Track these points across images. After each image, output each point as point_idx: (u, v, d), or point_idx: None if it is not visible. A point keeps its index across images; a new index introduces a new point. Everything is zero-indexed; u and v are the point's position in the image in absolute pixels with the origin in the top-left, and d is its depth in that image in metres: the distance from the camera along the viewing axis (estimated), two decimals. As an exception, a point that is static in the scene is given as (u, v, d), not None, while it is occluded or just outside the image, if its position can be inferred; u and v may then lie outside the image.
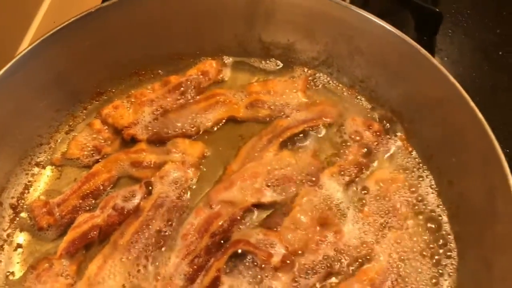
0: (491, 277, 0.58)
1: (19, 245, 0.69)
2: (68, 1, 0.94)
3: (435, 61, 0.66)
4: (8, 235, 0.69)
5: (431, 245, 0.65)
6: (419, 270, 0.64)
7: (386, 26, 0.69)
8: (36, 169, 0.74)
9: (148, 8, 0.74)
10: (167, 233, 0.67)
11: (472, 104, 0.63)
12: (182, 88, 0.77)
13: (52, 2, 0.92)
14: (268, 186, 0.69)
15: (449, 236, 0.65)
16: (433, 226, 0.66)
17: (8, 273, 0.67)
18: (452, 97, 0.65)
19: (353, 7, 0.70)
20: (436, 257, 0.64)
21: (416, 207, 0.67)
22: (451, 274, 0.63)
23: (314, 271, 0.63)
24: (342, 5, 0.70)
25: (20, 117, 0.71)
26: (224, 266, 0.64)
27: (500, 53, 0.90)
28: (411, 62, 0.69)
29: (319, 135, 0.74)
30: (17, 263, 0.68)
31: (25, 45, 0.85)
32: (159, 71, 0.80)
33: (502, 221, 0.57)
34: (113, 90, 0.79)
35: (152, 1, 0.73)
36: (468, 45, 0.91)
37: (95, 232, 0.67)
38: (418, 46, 0.67)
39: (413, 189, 0.69)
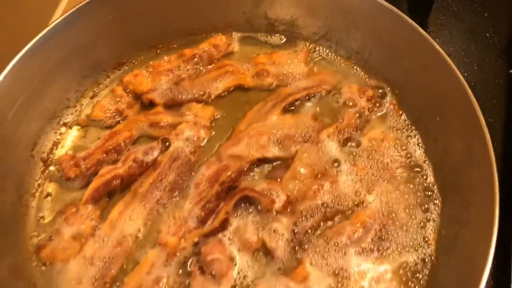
0: (468, 216, 0.65)
1: (48, 194, 0.77)
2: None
3: (422, 31, 0.74)
4: (38, 185, 0.77)
5: (418, 193, 0.73)
6: (407, 215, 0.71)
7: (380, 1, 0.77)
8: (63, 129, 0.82)
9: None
10: (181, 183, 0.76)
11: (454, 68, 0.71)
12: (195, 59, 0.86)
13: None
14: (272, 143, 0.77)
15: (434, 187, 0.73)
16: (420, 178, 0.74)
17: (39, 217, 0.75)
18: (437, 64, 0.73)
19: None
20: (422, 204, 0.72)
21: (405, 162, 0.75)
22: (435, 219, 0.71)
23: (312, 215, 0.71)
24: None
25: (51, 81, 0.79)
26: (232, 210, 0.72)
27: (487, 34, 0.98)
28: (402, 35, 0.76)
29: (318, 101, 0.82)
30: (47, 209, 0.76)
31: (57, 16, 0.93)
32: (175, 44, 0.88)
33: (477, 167, 0.65)
34: (133, 61, 0.87)
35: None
36: (457, 27, 0.99)
37: (117, 181, 0.75)
38: (408, 19, 0.74)
39: (403, 147, 0.76)
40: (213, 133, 0.80)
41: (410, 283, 0.67)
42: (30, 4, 0.92)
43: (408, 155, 0.75)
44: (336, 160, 0.75)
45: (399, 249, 0.69)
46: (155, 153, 0.78)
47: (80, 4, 0.76)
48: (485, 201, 0.62)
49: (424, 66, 0.75)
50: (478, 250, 0.60)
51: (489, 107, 0.89)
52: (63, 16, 0.76)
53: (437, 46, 0.73)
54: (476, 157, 0.65)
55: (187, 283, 0.68)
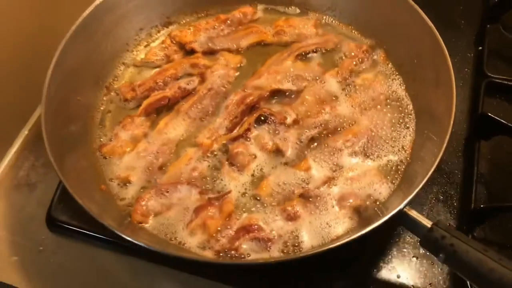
0: (433, 125, 0.85)
1: (109, 111, 0.99)
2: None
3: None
4: (102, 103, 0.99)
5: (399, 115, 0.93)
6: (390, 130, 0.92)
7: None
8: (122, 67, 1.05)
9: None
10: (214, 105, 0.97)
11: (431, 25, 0.91)
12: (228, 22, 1.09)
13: None
14: (286, 79, 0.99)
15: (411, 110, 0.94)
16: (401, 105, 0.95)
17: (101, 126, 0.97)
18: (416, 24, 0.94)
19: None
20: (401, 123, 0.92)
21: (390, 95, 0.96)
22: (411, 134, 0.91)
23: (314, 127, 0.92)
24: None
25: (118, 29, 1.03)
26: (253, 123, 0.93)
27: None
28: (390, 2, 0.99)
29: (323, 54, 1.04)
30: (108, 120, 0.98)
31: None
32: (212, 11, 1.12)
33: (442, 85, 0.86)
34: (180, 22, 1.11)
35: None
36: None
37: (165, 101, 0.97)
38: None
39: (389, 85, 0.97)
40: (239, 74, 1.02)
41: (389, 175, 0.86)
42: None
43: (392, 91, 0.96)
44: (335, 93, 0.97)
45: (383, 153, 0.89)
46: (195, 84, 1.00)
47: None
48: (445, 113, 0.83)
49: (406, 27, 0.97)
50: (437, 144, 0.81)
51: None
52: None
53: (418, 9, 0.95)
54: (441, 80, 0.86)
55: (216, 172, 0.89)
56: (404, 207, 0.71)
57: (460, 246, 0.65)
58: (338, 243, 0.71)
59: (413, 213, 0.71)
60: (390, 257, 0.87)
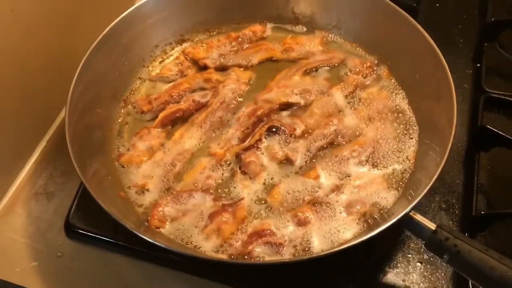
0: (435, 137, 0.90)
1: (126, 122, 1.04)
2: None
3: (410, 18, 1.01)
4: (119, 116, 1.04)
5: (402, 127, 0.98)
6: (394, 141, 0.96)
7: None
8: (139, 82, 1.10)
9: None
10: (227, 117, 1.02)
11: (432, 43, 0.97)
12: (239, 40, 1.14)
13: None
14: (295, 93, 1.04)
15: (414, 122, 0.99)
16: (404, 117, 1.00)
17: (119, 137, 1.01)
18: (417, 42, 1.00)
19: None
20: (405, 134, 0.97)
21: (393, 108, 1.01)
22: (414, 144, 0.96)
23: (323, 137, 0.96)
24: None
25: (135, 45, 1.08)
26: (264, 134, 0.97)
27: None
28: (393, 22, 1.04)
29: (330, 69, 1.09)
30: (126, 132, 1.02)
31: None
32: (224, 30, 1.17)
33: (443, 98, 0.91)
34: (193, 39, 1.16)
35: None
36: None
37: (180, 113, 1.02)
38: (398, 8, 1.02)
39: (392, 99, 1.02)
40: (250, 88, 1.07)
41: (394, 183, 0.91)
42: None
43: (396, 104, 1.01)
44: (342, 106, 1.02)
45: (388, 163, 0.94)
46: (208, 97, 1.05)
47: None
48: (446, 124, 0.88)
49: (408, 44, 1.03)
50: (439, 153, 0.85)
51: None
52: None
53: (419, 28, 1.00)
54: (442, 94, 0.91)
55: (229, 180, 0.93)
56: (410, 211, 0.75)
57: (463, 246, 0.69)
58: (346, 245, 0.75)
59: (418, 217, 0.75)
60: (395, 262, 0.91)
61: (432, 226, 0.73)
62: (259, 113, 1.00)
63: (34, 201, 1.05)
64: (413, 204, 0.75)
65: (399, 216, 0.75)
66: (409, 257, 0.92)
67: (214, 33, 1.18)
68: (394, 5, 1.04)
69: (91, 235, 0.95)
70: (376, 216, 0.85)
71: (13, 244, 1.00)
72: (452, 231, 0.71)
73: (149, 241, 0.79)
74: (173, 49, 1.15)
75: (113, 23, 1.03)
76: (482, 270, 0.66)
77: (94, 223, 0.96)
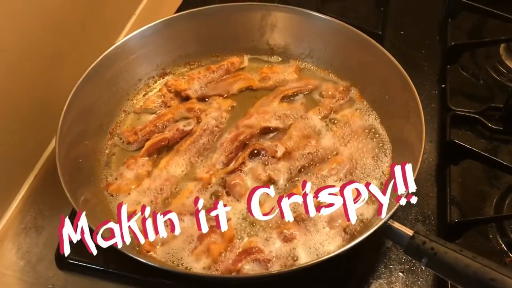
0: (407, 151, 0.96)
1: (113, 153, 1.07)
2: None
3: (376, 43, 1.09)
4: (106, 147, 1.08)
5: (377, 145, 1.04)
6: (370, 158, 1.02)
7: (346, 25, 1.14)
8: (123, 114, 1.14)
9: (202, 23, 1.20)
10: (210, 144, 1.07)
11: (400, 67, 1.04)
12: (219, 71, 1.20)
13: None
14: (274, 118, 1.09)
15: (387, 140, 1.05)
16: (377, 136, 1.06)
17: (106, 167, 1.05)
18: (385, 66, 1.07)
19: (322, 15, 1.16)
20: (379, 151, 1.03)
21: (367, 128, 1.07)
22: (388, 160, 1.02)
23: (303, 158, 1.02)
24: (318, 17, 1.17)
25: (117, 81, 1.13)
26: (247, 157, 1.02)
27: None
28: (362, 48, 1.12)
29: (305, 95, 1.16)
30: (113, 162, 1.06)
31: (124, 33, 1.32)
32: (203, 63, 1.24)
33: (412, 116, 0.98)
34: (174, 72, 1.22)
35: (204, 19, 1.20)
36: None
37: (165, 142, 1.06)
38: (365, 36, 1.10)
39: (365, 119, 1.09)
40: (231, 115, 1.13)
41: (372, 197, 0.95)
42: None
43: (369, 124, 1.08)
44: (319, 128, 1.08)
45: (365, 179, 0.99)
46: (192, 125, 1.09)
47: (144, 28, 1.14)
48: (416, 139, 0.94)
49: (376, 68, 1.10)
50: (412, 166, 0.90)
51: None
52: (128, 36, 1.13)
53: (386, 53, 1.08)
54: (411, 112, 0.98)
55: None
56: (388, 220, 0.80)
57: (439, 248, 0.74)
58: (331, 255, 0.80)
59: (396, 225, 0.80)
60: (378, 273, 0.96)
61: (409, 232, 0.78)
62: (241, 138, 1.05)
63: (24, 235, 1.06)
64: (391, 213, 0.80)
65: (378, 225, 0.79)
66: (391, 268, 0.96)
67: (195, 65, 1.24)
68: (361, 33, 1.12)
69: (82, 264, 0.97)
70: (358, 228, 0.90)
71: (4, 278, 1.00)
72: (428, 235, 0.76)
73: (141, 264, 0.82)
74: (155, 82, 1.21)
75: (98, 59, 1.08)
76: (458, 269, 0.71)
77: (85, 253, 0.98)
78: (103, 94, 1.10)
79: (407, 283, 0.94)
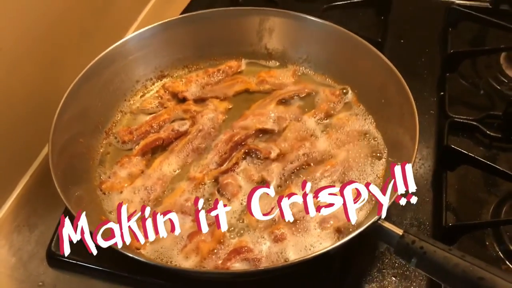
0: (401, 155, 0.95)
1: (108, 152, 1.08)
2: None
3: (372, 47, 1.09)
4: (101, 146, 1.08)
5: (371, 148, 1.03)
6: (364, 161, 1.01)
7: (343, 30, 1.14)
8: (120, 114, 1.15)
9: (200, 27, 1.21)
10: (205, 145, 1.07)
11: (396, 72, 1.04)
12: (216, 75, 1.21)
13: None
14: (269, 120, 1.09)
15: (382, 144, 1.04)
16: (372, 140, 1.05)
17: (100, 166, 1.05)
18: (382, 70, 1.07)
19: (320, 20, 1.17)
20: (374, 154, 1.02)
21: (362, 132, 1.07)
22: (383, 163, 1.01)
23: (297, 159, 1.01)
24: (315, 22, 1.17)
25: (114, 81, 1.14)
26: (241, 158, 1.02)
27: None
28: (359, 53, 1.12)
29: (302, 98, 1.16)
30: (107, 161, 1.06)
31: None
32: (201, 66, 1.24)
33: (406, 118, 0.97)
34: (172, 75, 1.23)
35: (203, 23, 1.21)
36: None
37: (160, 141, 1.06)
38: (363, 41, 1.11)
39: (361, 123, 1.08)
40: (227, 117, 1.13)
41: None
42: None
43: (364, 128, 1.07)
44: (314, 131, 1.07)
45: (359, 181, 0.98)
46: (187, 126, 1.10)
47: (143, 29, 1.16)
48: (410, 142, 0.94)
49: (373, 73, 1.10)
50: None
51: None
52: (127, 37, 1.15)
53: (382, 56, 1.08)
54: (406, 114, 0.98)
55: (207, 203, 0.96)
56: (378, 219, 0.79)
57: (428, 247, 0.73)
58: (321, 251, 0.79)
59: (386, 224, 0.79)
60: (371, 277, 0.94)
61: (399, 231, 0.77)
62: (236, 138, 1.05)
63: (16, 233, 1.06)
64: (382, 212, 0.79)
65: (368, 223, 0.78)
66: (384, 272, 0.95)
67: (193, 69, 1.25)
68: (358, 37, 1.12)
69: (72, 261, 0.96)
70: (350, 229, 0.89)
71: (-6, 275, 1.01)
72: (418, 234, 0.75)
73: (132, 261, 0.81)
74: (153, 84, 1.22)
75: (96, 59, 1.09)
76: (447, 268, 0.70)
77: (75, 250, 0.97)
78: (100, 94, 1.11)
79: (400, 287, 0.93)
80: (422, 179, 1.08)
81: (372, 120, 1.09)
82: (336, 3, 1.41)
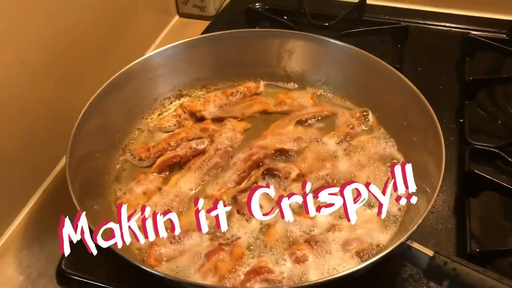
0: (425, 176, 0.93)
1: (124, 169, 1.06)
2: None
3: (393, 69, 1.09)
4: (117, 162, 1.06)
5: (392, 172, 1.01)
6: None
7: (363, 52, 1.14)
8: (137, 132, 1.13)
9: (221, 47, 1.21)
10: (223, 163, 1.05)
11: (418, 93, 1.04)
12: (234, 96, 1.21)
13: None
14: (288, 140, 1.08)
15: (403, 167, 1.01)
16: (394, 162, 1.03)
17: (116, 182, 1.03)
18: (404, 92, 1.07)
19: (340, 43, 1.17)
20: (395, 177, 1.00)
21: (384, 154, 1.05)
22: (405, 186, 0.98)
23: (317, 180, 0.99)
24: (335, 44, 1.17)
25: (132, 99, 1.13)
26: (260, 177, 1.00)
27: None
28: (379, 75, 1.11)
29: (321, 120, 1.15)
30: (123, 177, 1.04)
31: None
32: (219, 87, 1.24)
33: (430, 141, 0.95)
34: (190, 95, 1.22)
35: (223, 43, 1.21)
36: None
37: (177, 159, 1.04)
38: (383, 62, 1.10)
39: (382, 146, 1.06)
40: (245, 136, 1.12)
41: (389, 222, 0.92)
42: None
43: (386, 150, 1.05)
44: (334, 152, 1.06)
45: (381, 203, 0.95)
46: (205, 144, 1.08)
47: (165, 47, 1.16)
48: (434, 166, 0.92)
49: (394, 95, 1.09)
50: (428, 193, 0.88)
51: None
52: (148, 54, 1.15)
53: (404, 78, 1.07)
54: (430, 137, 0.96)
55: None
56: (407, 239, 0.76)
57: (461, 269, 0.69)
58: (345, 272, 0.75)
59: (415, 245, 0.76)
60: (396, 302, 0.90)
61: (430, 252, 0.74)
62: (254, 157, 1.03)
63: (26, 250, 1.03)
64: (410, 232, 0.76)
65: (396, 244, 0.75)
66: (408, 297, 0.91)
67: (211, 89, 1.24)
68: (379, 59, 1.12)
69: (83, 280, 0.93)
70: (374, 252, 0.86)
71: (2, 293, 0.97)
72: (449, 255, 0.72)
73: (145, 280, 0.78)
74: (171, 103, 1.21)
75: (115, 75, 1.09)
76: (482, 291, 0.67)
77: (86, 269, 0.94)
78: (118, 110, 1.10)
79: (427, 313, 0.89)
80: (444, 205, 1.05)
81: (394, 143, 1.07)
82: (353, 30, 1.42)
